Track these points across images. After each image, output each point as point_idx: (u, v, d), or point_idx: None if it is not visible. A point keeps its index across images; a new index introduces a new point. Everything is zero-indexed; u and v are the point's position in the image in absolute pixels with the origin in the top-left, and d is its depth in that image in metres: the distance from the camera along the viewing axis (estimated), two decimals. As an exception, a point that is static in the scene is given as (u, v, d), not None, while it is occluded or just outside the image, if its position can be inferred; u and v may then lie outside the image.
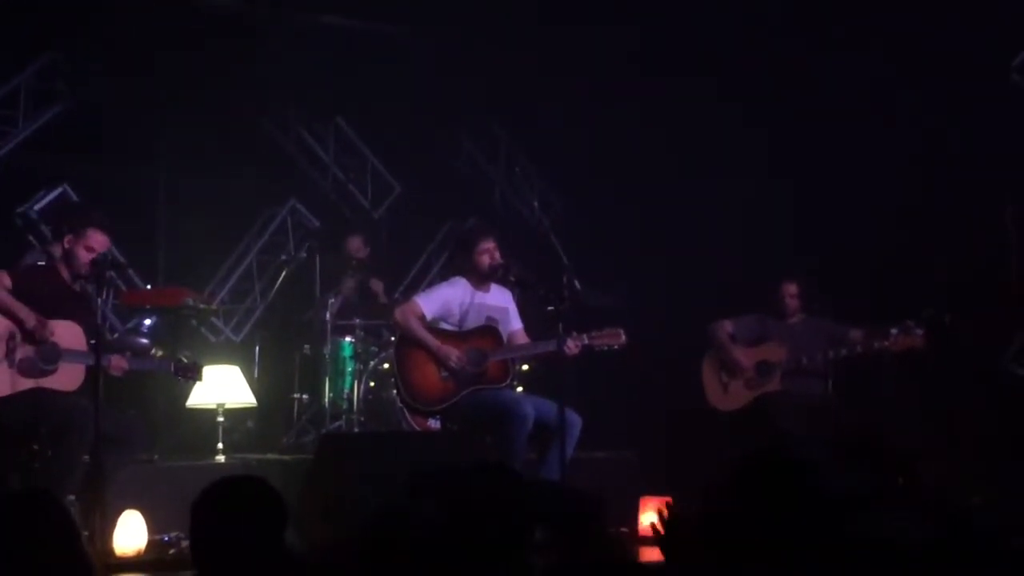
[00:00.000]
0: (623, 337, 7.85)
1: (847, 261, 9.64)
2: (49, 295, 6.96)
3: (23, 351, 6.81)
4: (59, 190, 10.36)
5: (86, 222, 7.11)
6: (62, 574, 3.57)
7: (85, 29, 10.01)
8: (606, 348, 7.86)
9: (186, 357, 8.54)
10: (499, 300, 8.22)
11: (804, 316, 8.93)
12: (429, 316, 8.01)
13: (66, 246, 7.05)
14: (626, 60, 10.52)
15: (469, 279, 8.13)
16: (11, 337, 6.80)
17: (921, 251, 9.58)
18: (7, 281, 6.88)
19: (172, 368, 7.41)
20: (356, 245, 10.26)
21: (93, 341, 6.83)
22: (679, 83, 10.27)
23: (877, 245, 9.76)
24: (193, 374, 7.48)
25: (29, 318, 6.80)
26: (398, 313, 8.13)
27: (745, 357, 8.75)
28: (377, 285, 10.23)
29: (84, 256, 7.03)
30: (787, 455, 3.47)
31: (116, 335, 8.55)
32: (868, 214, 9.74)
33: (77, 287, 7.18)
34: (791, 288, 8.89)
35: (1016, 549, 3.59)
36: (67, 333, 6.93)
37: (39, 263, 7.37)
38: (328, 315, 9.52)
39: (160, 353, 7.76)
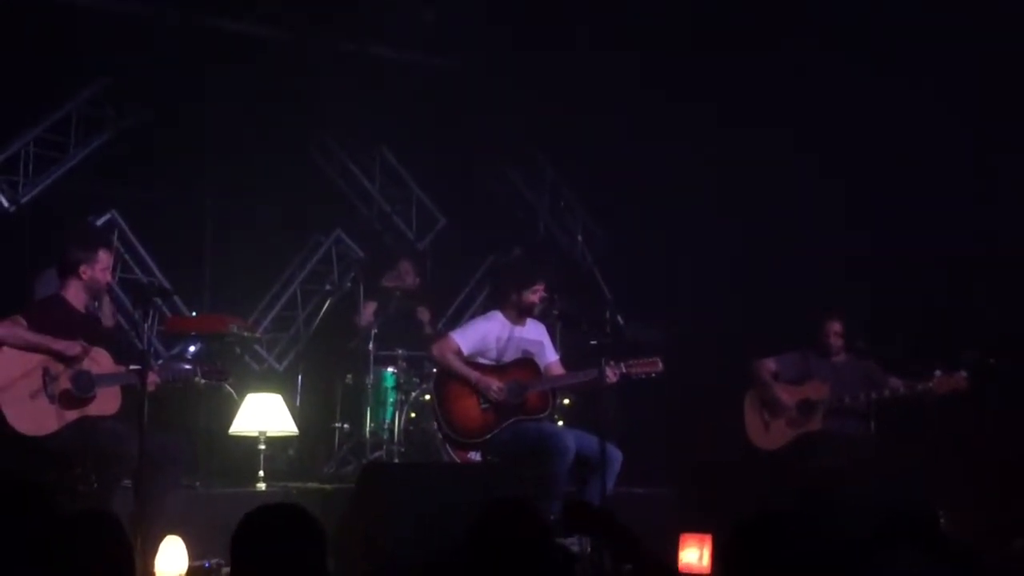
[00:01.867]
0: (660, 365, 7.86)
1: (894, 302, 9.59)
2: (65, 325, 7.04)
3: (58, 384, 6.89)
4: (107, 216, 10.46)
5: (94, 246, 7.24)
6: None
7: (135, 56, 10.10)
8: (644, 376, 7.86)
9: (229, 384, 8.64)
10: (535, 334, 8.24)
11: (848, 355, 8.87)
12: (466, 352, 8.04)
13: (84, 277, 7.14)
14: (670, 92, 10.53)
15: (506, 313, 8.15)
16: (45, 372, 6.87)
17: (968, 294, 9.53)
18: (23, 324, 6.94)
19: (199, 372, 7.48)
20: (406, 268, 10.26)
21: (128, 364, 6.92)
22: (724, 116, 10.28)
23: (924, 286, 9.70)
24: (221, 376, 7.61)
25: (69, 347, 6.88)
26: (435, 349, 8.16)
27: (787, 395, 8.71)
28: (424, 314, 10.24)
29: (104, 276, 7.20)
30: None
31: (160, 361, 8.60)
32: (917, 256, 9.69)
33: (89, 313, 7.28)
34: (835, 326, 8.85)
35: None
36: (94, 359, 7.01)
37: (44, 297, 7.43)
38: (371, 345, 9.54)
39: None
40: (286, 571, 3.51)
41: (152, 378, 6.91)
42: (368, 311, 9.92)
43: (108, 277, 7.27)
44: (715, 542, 6.28)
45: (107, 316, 8.20)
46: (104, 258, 7.20)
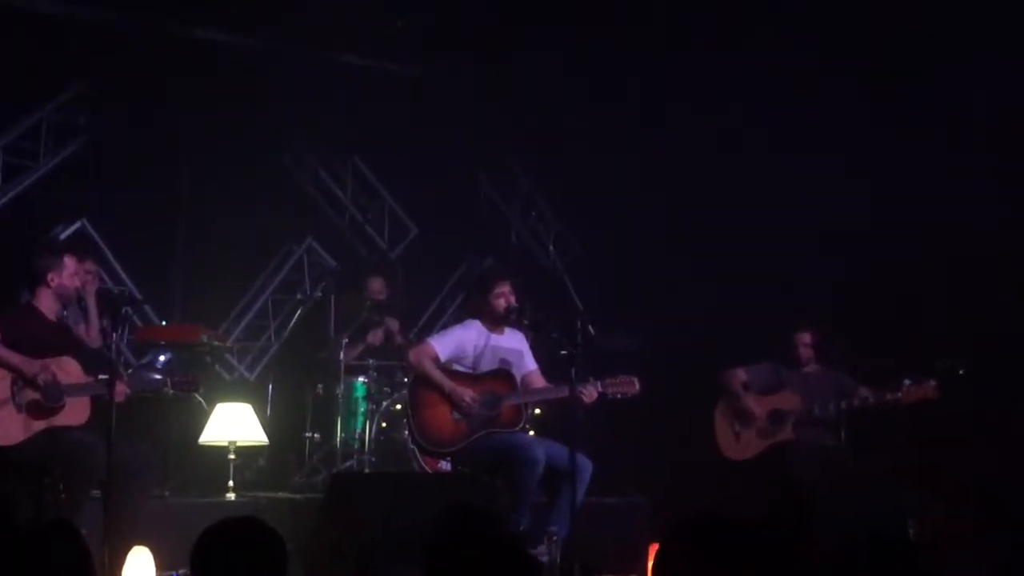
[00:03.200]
0: (637, 386, 7.84)
1: (865, 312, 9.61)
2: (37, 335, 7.03)
3: (26, 394, 6.87)
4: (78, 224, 10.42)
5: (59, 253, 7.25)
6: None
7: (106, 65, 10.07)
8: (620, 396, 7.85)
9: (199, 394, 8.61)
10: (513, 343, 8.21)
11: (819, 367, 8.90)
12: (443, 358, 8.01)
13: (53, 285, 7.13)
14: (644, 98, 10.55)
15: (483, 321, 8.14)
16: (13, 381, 6.85)
17: (938, 303, 9.56)
18: None
19: (169, 384, 7.46)
20: (377, 287, 10.25)
21: (98, 374, 6.91)
22: (698, 122, 10.30)
23: (896, 296, 9.73)
24: (190, 386, 7.61)
25: (29, 367, 6.86)
26: (412, 355, 8.13)
27: (757, 406, 8.73)
28: (393, 324, 10.23)
29: (72, 282, 7.22)
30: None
31: (130, 371, 8.58)
32: (885, 265, 9.72)
33: (59, 323, 7.26)
34: (805, 337, 8.88)
35: None
36: (63, 368, 6.99)
37: (15, 306, 7.40)
38: (342, 355, 9.52)
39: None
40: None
41: (121, 388, 6.89)
42: (354, 351, 9.89)
43: (77, 283, 7.30)
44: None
45: (93, 325, 8.20)
46: (71, 264, 7.21)
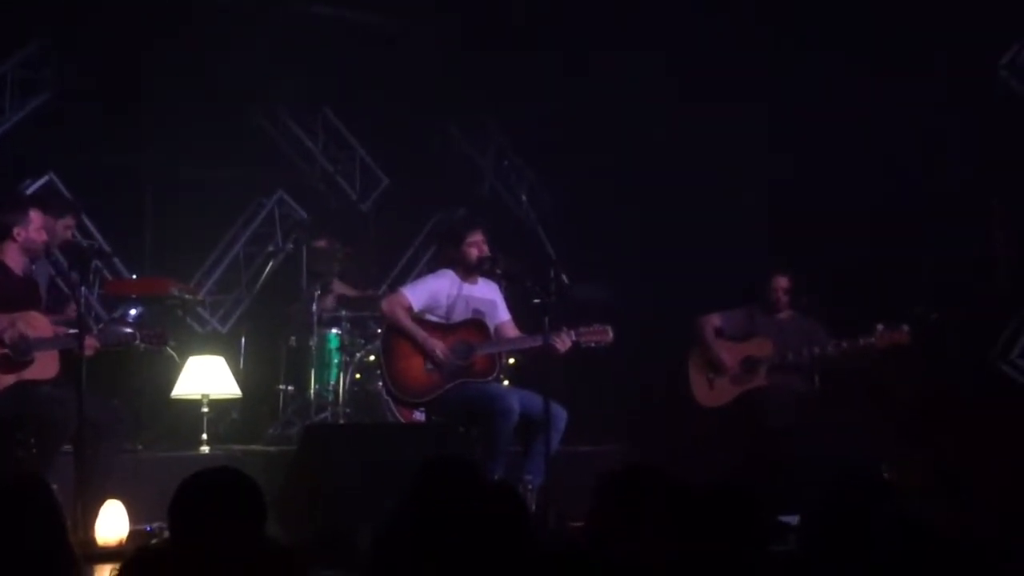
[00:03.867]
0: (611, 335, 7.84)
1: (836, 260, 9.63)
2: (3, 290, 7.00)
3: None
4: (44, 179, 10.31)
5: (24, 208, 7.21)
6: (46, 563, 3.57)
7: (71, 17, 9.95)
8: (594, 344, 7.84)
9: (171, 347, 8.57)
10: (486, 292, 8.20)
11: (793, 312, 8.91)
12: (416, 308, 7.99)
13: (18, 239, 7.08)
14: (614, 44, 10.49)
15: (456, 271, 8.11)
16: None
17: (909, 249, 9.58)
18: None
19: (138, 338, 7.42)
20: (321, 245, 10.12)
21: (67, 328, 6.86)
22: (672, 67, 10.25)
23: (866, 244, 9.74)
24: (159, 340, 7.61)
25: None
26: (385, 304, 8.12)
27: (730, 355, 8.73)
28: (340, 285, 10.13)
29: (39, 236, 7.18)
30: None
31: (101, 324, 8.52)
32: (857, 212, 9.73)
33: (26, 276, 7.21)
34: (782, 281, 8.86)
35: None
36: (31, 323, 6.94)
37: None
38: (315, 307, 9.48)
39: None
40: (225, 534, 3.48)
41: (91, 342, 6.86)
42: (327, 300, 9.83)
43: (44, 236, 7.24)
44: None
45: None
46: (36, 218, 7.16)
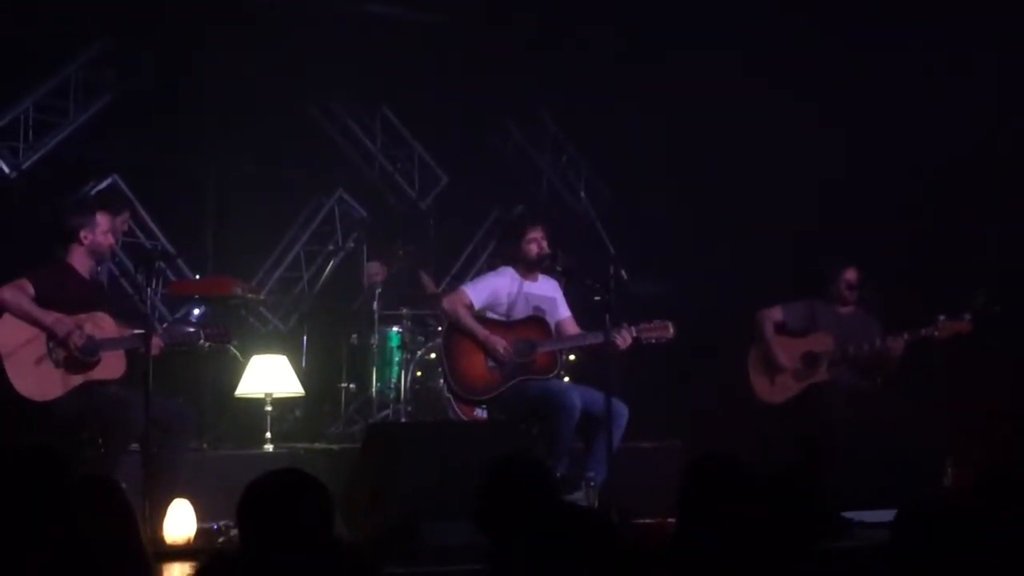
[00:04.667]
0: (671, 331, 7.82)
1: (899, 251, 9.57)
2: (72, 292, 7.06)
3: (62, 349, 6.90)
4: (109, 180, 10.43)
5: (91, 211, 7.27)
6: (120, 561, 3.62)
7: (133, 18, 10.03)
8: (655, 341, 7.83)
9: (235, 347, 8.65)
10: (546, 290, 8.20)
11: (856, 308, 8.84)
12: (477, 305, 8.00)
13: (85, 242, 7.15)
14: (673, 48, 10.47)
15: (516, 268, 8.12)
16: (50, 337, 6.89)
17: (970, 242, 9.51)
18: (30, 289, 6.95)
19: (203, 336, 7.50)
20: (374, 270, 10.14)
21: (133, 328, 6.94)
22: (726, 71, 10.22)
23: (926, 238, 9.68)
24: (223, 338, 7.69)
25: (61, 327, 6.89)
26: (446, 302, 8.13)
27: (789, 352, 8.66)
28: (426, 278, 10.23)
29: (106, 240, 7.23)
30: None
31: (165, 324, 8.62)
32: (919, 203, 9.67)
33: (93, 279, 7.30)
34: (850, 276, 8.77)
35: None
36: (98, 324, 7.03)
37: (49, 264, 7.40)
38: (376, 305, 9.53)
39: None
40: (294, 536, 3.50)
41: (156, 342, 6.92)
42: (374, 270, 9.89)
43: (111, 240, 7.30)
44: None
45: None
46: (103, 221, 7.22)
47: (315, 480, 3.61)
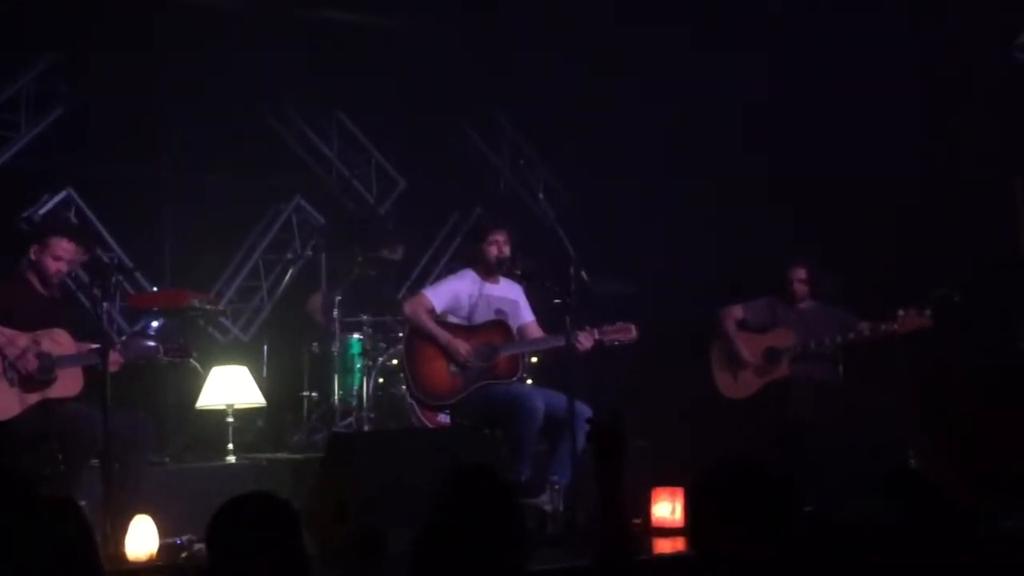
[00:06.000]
0: (634, 333, 7.84)
1: (856, 243, 9.59)
2: (27, 308, 6.99)
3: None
4: (63, 194, 10.33)
5: (47, 231, 7.20)
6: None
7: (83, 30, 9.93)
8: (617, 343, 7.83)
9: (194, 359, 8.58)
10: (508, 292, 8.18)
11: (813, 302, 8.88)
12: (439, 309, 7.98)
13: (32, 258, 7.08)
14: (630, 47, 10.46)
15: (477, 271, 8.10)
16: (4, 356, 6.81)
17: (931, 231, 9.53)
18: None
19: (162, 351, 7.43)
20: (316, 304, 10.03)
21: (91, 344, 6.87)
22: (685, 71, 10.22)
23: (887, 226, 9.70)
24: (182, 353, 7.62)
25: (9, 348, 6.81)
26: (407, 307, 8.11)
27: (751, 347, 8.71)
28: (314, 302, 10.08)
29: (52, 265, 7.10)
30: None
31: (123, 338, 8.54)
32: (877, 195, 9.69)
33: (51, 295, 7.20)
34: (800, 273, 8.85)
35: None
36: (55, 340, 6.95)
37: (5, 279, 7.31)
38: (335, 312, 9.49)
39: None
40: (264, 559, 3.49)
41: (115, 358, 6.87)
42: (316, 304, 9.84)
43: (59, 267, 7.13)
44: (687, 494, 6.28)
45: None
46: (58, 246, 7.09)
47: (281, 501, 3.59)
